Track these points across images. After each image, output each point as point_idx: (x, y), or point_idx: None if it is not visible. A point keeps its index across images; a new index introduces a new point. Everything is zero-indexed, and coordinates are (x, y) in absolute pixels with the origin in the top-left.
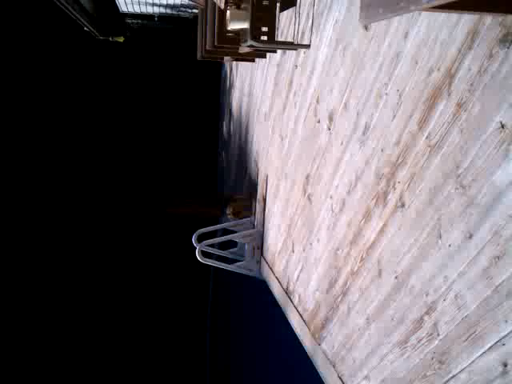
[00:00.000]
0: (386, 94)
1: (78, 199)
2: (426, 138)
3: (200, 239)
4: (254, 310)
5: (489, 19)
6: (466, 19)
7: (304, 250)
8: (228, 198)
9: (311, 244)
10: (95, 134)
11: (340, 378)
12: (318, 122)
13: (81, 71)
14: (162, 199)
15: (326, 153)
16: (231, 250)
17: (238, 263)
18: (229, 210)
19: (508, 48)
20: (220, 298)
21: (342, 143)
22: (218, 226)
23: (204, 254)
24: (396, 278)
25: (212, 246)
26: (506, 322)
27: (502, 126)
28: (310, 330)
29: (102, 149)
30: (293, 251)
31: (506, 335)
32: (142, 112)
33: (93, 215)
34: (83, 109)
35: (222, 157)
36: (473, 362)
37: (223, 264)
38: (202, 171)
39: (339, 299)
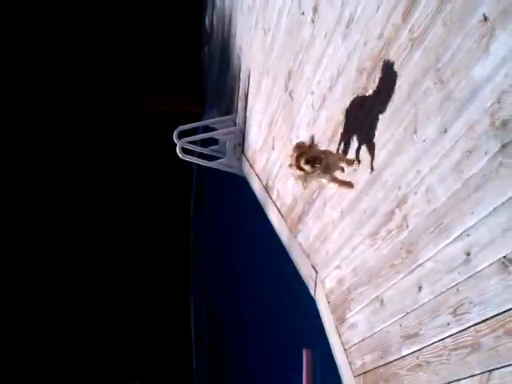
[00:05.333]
0: None
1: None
2: (409, 30)
3: (181, 136)
4: (235, 207)
5: None
6: None
7: (284, 147)
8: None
9: (291, 141)
10: (69, 18)
11: (314, 268)
12: (302, 13)
13: None
14: (140, 93)
15: (309, 47)
16: (212, 147)
17: (219, 160)
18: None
19: None
20: (202, 199)
21: (325, 36)
22: (200, 123)
23: (185, 151)
24: (370, 173)
25: (193, 143)
26: (473, 214)
27: (485, 19)
28: (287, 223)
29: (75, 33)
30: (273, 148)
31: (471, 226)
32: None
33: (62, 107)
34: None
35: (204, 51)
36: (438, 251)
37: (204, 161)
38: (183, 66)
39: (315, 194)
